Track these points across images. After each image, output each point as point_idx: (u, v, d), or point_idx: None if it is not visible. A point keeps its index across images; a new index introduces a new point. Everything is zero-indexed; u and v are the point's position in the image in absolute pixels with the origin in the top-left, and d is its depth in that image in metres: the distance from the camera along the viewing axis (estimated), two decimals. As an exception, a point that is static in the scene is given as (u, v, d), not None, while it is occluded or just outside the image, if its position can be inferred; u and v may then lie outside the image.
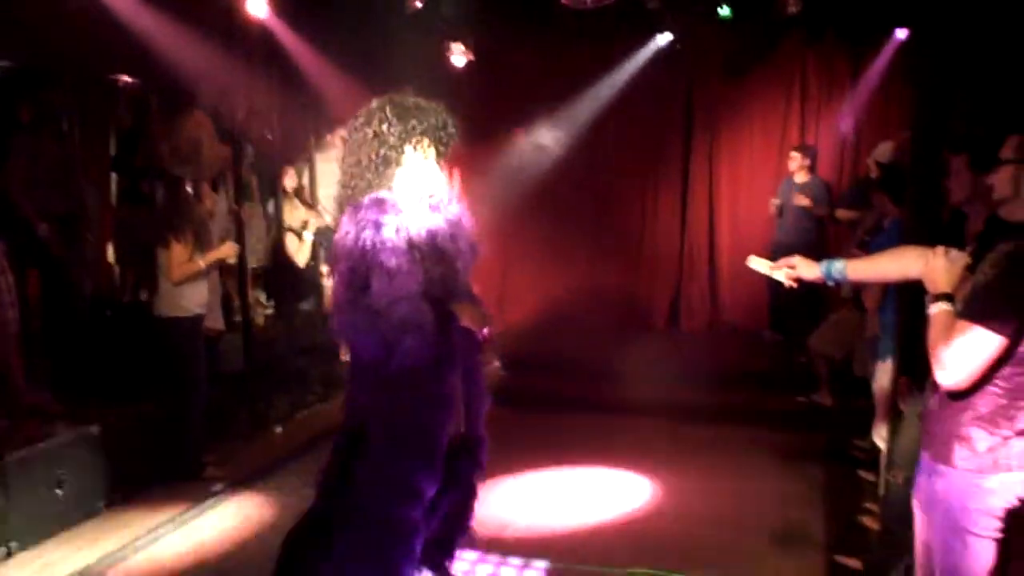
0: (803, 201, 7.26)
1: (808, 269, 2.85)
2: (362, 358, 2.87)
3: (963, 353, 2.27)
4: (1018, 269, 2.26)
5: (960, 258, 2.44)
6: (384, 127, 2.86)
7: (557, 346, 7.59)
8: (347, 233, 2.80)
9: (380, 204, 2.80)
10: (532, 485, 4.96)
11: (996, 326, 2.23)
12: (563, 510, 4.61)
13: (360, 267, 2.74)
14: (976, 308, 2.28)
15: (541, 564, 3.92)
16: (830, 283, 2.88)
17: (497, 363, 7.16)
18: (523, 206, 8.47)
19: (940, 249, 2.47)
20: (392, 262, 2.73)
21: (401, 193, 2.86)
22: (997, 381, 2.29)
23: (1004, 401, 2.30)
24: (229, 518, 4.53)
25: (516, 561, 3.92)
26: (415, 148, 2.90)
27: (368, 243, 2.73)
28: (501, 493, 4.76)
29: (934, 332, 2.36)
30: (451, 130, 2.98)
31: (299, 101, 7.13)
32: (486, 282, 8.62)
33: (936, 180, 3.71)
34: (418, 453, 2.90)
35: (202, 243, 4.96)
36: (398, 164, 2.89)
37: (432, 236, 2.83)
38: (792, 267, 2.88)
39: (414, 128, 2.88)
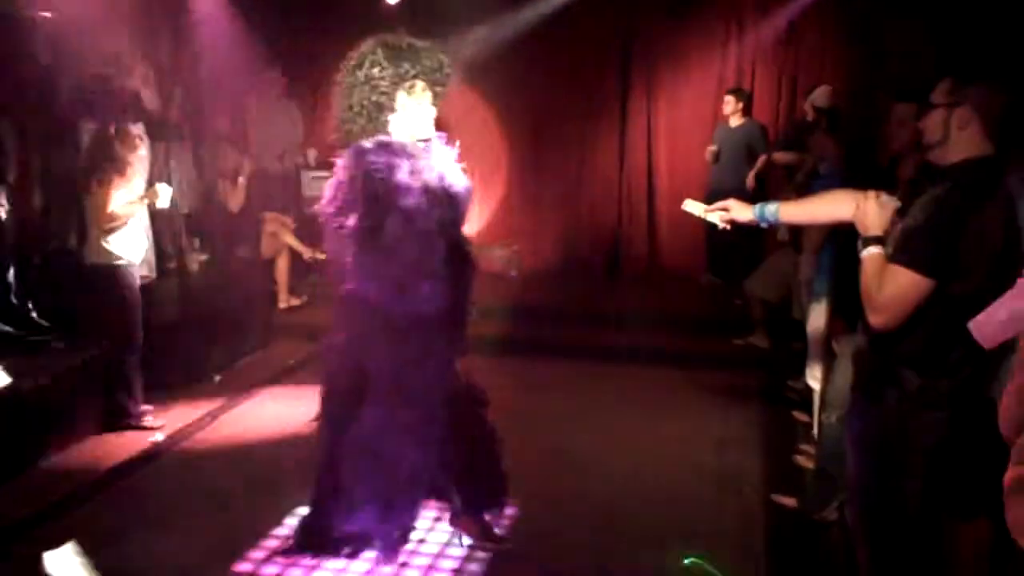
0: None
1: (742, 211, 2.87)
2: (371, 302, 2.82)
3: (894, 296, 2.32)
4: (947, 212, 2.31)
5: (891, 202, 2.47)
6: (375, 71, 2.80)
7: (494, 291, 7.58)
8: (353, 177, 2.74)
9: (387, 148, 2.77)
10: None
11: (926, 269, 2.28)
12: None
13: (372, 210, 2.70)
14: (906, 251, 2.32)
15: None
16: (763, 225, 2.91)
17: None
18: (460, 149, 8.35)
19: (871, 193, 2.51)
20: (409, 202, 2.71)
21: (401, 138, 2.83)
22: (926, 322, 2.35)
23: (932, 341, 2.37)
24: (169, 470, 4.46)
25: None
26: (408, 93, 2.84)
27: (382, 186, 2.70)
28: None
29: (866, 275, 2.41)
30: (446, 71, 2.92)
31: (232, 42, 6.92)
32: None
33: (873, 125, 3.75)
34: (424, 399, 2.91)
35: (126, 186, 4.79)
36: (391, 110, 2.83)
37: (441, 179, 2.82)
38: (726, 209, 2.90)
39: (407, 72, 2.82)
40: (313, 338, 6.64)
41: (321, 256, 7.44)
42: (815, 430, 4.34)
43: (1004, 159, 2.43)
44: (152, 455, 4.59)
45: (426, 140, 2.90)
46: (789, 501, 3.93)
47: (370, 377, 2.93)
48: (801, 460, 4.42)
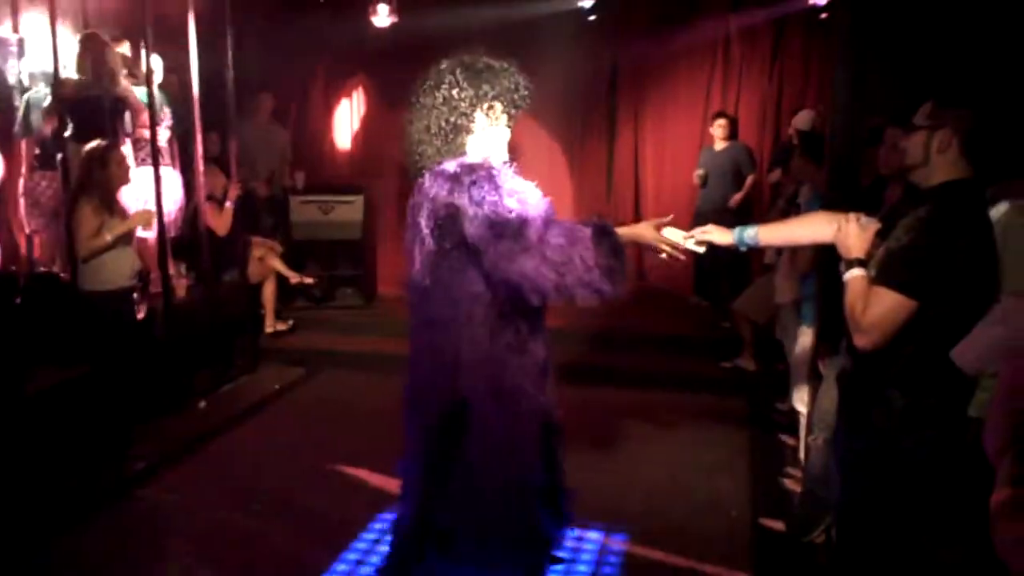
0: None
1: (721, 236, 2.87)
2: (529, 303, 2.60)
3: (879, 317, 2.34)
4: (931, 233, 2.33)
5: (871, 224, 2.50)
6: (455, 92, 2.69)
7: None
8: (453, 192, 2.55)
9: (475, 168, 2.59)
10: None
11: (910, 290, 2.31)
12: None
13: (492, 218, 2.50)
14: (891, 273, 2.35)
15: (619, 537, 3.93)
16: (743, 248, 2.89)
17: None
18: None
19: (852, 215, 2.53)
20: (526, 197, 2.57)
21: (482, 159, 2.69)
22: (910, 343, 2.37)
23: (917, 362, 2.38)
24: (153, 498, 4.39)
25: (595, 535, 3.91)
26: (487, 115, 2.74)
27: (492, 193, 2.52)
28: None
29: (850, 297, 2.43)
30: (523, 92, 2.79)
31: (221, 62, 6.95)
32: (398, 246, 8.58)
33: (855, 148, 3.79)
34: (530, 416, 2.76)
35: (112, 211, 4.77)
36: (468, 132, 2.72)
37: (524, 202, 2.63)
38: (706, 233, 2.90)
39: (486, 93, 2.71)
40: (300, 363, 6.66)
41: (309, 281, 7.42)
42: (801, 453, 4.35)
43: (983, 181, 2.46)
44: (136, 483, 4.52)
45: (505, 163, 2.74)
46: (777, 524, 3.92)
47: (467, 406, 2.70)
48: (788, 483, 4.41)
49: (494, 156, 2.74)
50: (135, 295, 5.01)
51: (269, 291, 7.16)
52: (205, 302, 6.20)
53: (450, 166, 2.62)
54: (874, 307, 2.35)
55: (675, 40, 8.19)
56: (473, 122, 2.72)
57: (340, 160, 8.64)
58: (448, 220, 2.56)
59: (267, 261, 7.14)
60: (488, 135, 2.76)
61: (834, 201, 3.76)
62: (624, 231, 2.78)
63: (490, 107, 2.72)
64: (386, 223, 8.54)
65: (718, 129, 7.60)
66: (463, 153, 2.71)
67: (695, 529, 4.02)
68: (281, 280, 7.25)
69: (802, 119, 6.62)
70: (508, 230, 2.49)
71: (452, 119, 2.69)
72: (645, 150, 8.54)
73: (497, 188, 2.54)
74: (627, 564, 3.72)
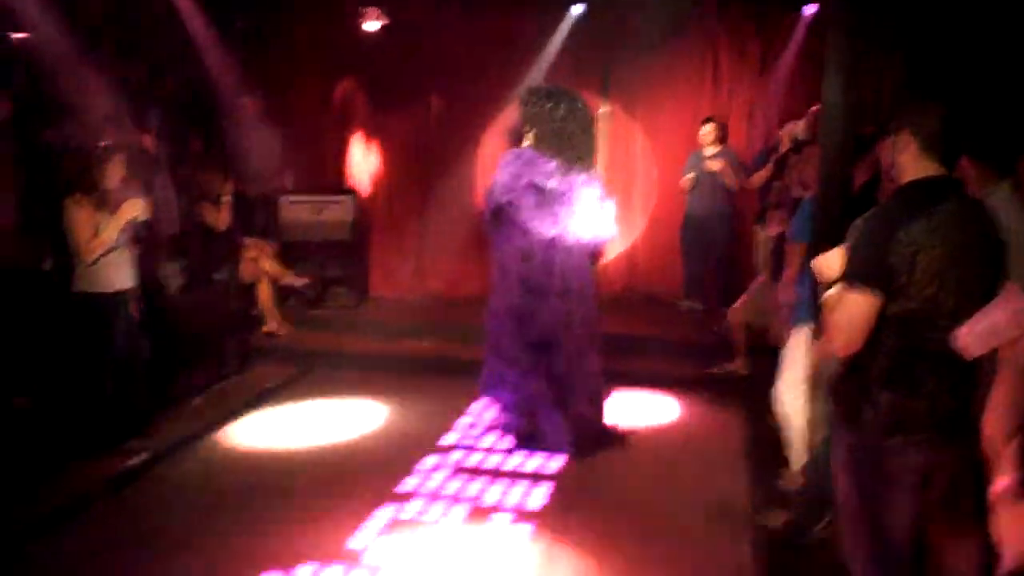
0: (715, 166, 7.38)
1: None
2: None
3: (843, 315, 2.41)
4: (867, 228, 2.42)
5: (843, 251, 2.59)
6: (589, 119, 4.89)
7: (475, 314, 7.56)
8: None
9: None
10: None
11: (861, 282, 2.37)
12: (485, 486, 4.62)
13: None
14: (846, 272, 2.42)
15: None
16: None
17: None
18: (440, 174, 8.43)
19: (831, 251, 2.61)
20: None
21: None
22: (883, 344, 2.42)
23: (894, 364, 2.43)
24: (149, 491, 4.42)
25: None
26: None
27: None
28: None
29: (827, 307, 2.50)
30: None
31: (206, 63, 6.96)
32: (406, 250, 8.56)
33: (846, 153, 3.84)
34: None
35: (104, 211, 4.72)
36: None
37: None
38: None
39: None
40: (292, 362, 6.64)
41: (300, 282, 7.37)
42: (792, 452, 4.37)
43: (953, 178, 2.50)
44: (132, 480, 4.53)
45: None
46: (777, 522, 3.95)
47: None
48: (786, 482, 4.44)
49: None
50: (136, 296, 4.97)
51: (265, 293, 7.10)
52: (198, 301, 6.19)
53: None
54: (839, 307, 2.42)
55: (666, 47, 8.19)
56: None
57: (329, 161, 8.61)
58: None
59: (259, 263, 7.09)
60: None
61: (826, 206, 3.82)
62: None
63: None
64: (376, 223, 8.53)
65: (708, 135, 7.62)
66: None
67: (695, 528, 4.04)
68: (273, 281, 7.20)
69: (799, 128, 6.66)
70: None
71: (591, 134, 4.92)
72: (635, 154, 8.54)
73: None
74: (624, 569, 3.72)
